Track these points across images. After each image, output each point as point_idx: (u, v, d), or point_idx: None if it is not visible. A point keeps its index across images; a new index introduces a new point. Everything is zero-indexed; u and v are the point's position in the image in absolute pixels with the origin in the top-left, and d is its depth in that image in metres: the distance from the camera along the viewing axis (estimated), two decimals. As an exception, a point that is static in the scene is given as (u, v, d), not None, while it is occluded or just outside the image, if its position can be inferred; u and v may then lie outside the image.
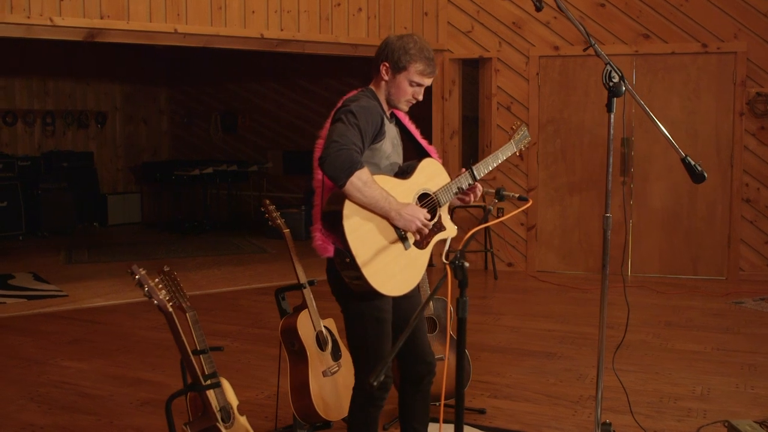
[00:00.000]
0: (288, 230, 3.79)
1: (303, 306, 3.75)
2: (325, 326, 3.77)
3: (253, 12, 7.10)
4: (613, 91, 3.36)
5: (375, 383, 1.79)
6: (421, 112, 9.85)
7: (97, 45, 7.35)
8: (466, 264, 2.18)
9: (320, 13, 7.49)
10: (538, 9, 3.11)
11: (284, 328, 3.68)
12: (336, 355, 3.77)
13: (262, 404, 4.34)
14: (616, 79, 3.34)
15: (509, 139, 3.33)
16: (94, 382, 4.74)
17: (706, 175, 3.55)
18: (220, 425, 2.68)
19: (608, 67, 3.33)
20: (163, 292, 3.03)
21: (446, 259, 2.24)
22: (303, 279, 3.74)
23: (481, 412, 4.17)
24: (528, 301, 6.95)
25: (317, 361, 3.67)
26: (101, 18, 6.38)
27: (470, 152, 8.47)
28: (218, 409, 3.02)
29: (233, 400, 3.12)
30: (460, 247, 2.26)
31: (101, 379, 4.80)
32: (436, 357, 4.02)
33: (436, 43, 8.12)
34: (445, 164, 8.21)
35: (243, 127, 12.30)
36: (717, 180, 7.62)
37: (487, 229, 8.06)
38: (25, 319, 6.34)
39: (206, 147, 12.58)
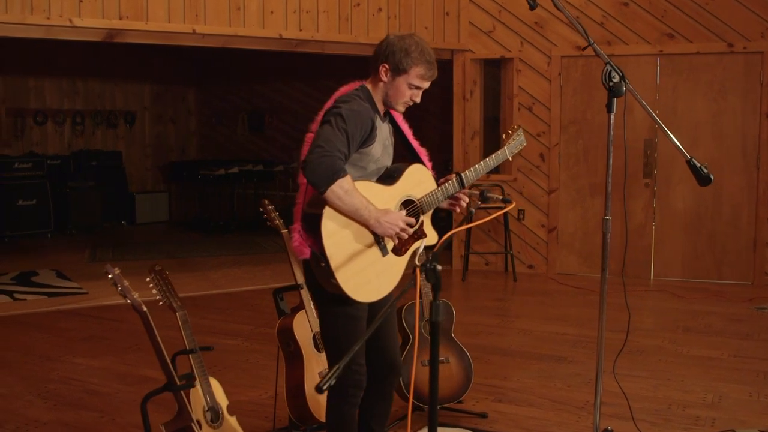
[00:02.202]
0: (286, 230, 3.78)
1: (301, 307, 3.74)
2: (322, 327, 3.75)
3: (272, 12, 7.12)
4: (613, 91, 3.29)
5: (325, 388, 1.76)
6: (442, 112, 9.79)
7: (125, 45, 7.43)
8: (439, 267, 2.15)
9: (339, 13, 7.48)
10: (532, 8, 3.05)
11: (280, 329, 3.68)
12: (333, 356, 3.75)
13: (264, 404, 4.33)
14: (616, 79, 3.26)
15: (504, 145, 3.29)
16: (101, 379, 4.79)
17: (712, 177, 3.48)
18: (195, 425, 2.68)
19: (608, 67, 3.27)
20: (154, 291, 3.05)
21: (418, 261, 2.20)
22: (300, 279, 3.73)
23: (483, 416, 4.12)
24: (545, 304, 6.86)
25: (313, 362, 3.65)
26: (120, 19, 6.45)
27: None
28: (207, 409, 3.02)
29: (223, 401, 3.12)
30: (435, 249, 2.23)
31: (109, 376, 4.84)
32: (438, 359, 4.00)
33: (458, 43, 8.07)
34: (465, 165, 8.17)
35: (270, 127, 12.37)
36: (743, 182, 7.45)
37: (506, 230, 7.98)
38: (43, 315, 6.43)
39: (234, 147, 12.67)
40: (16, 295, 7.03)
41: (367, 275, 2.79)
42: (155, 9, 6.59)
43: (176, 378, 2.71)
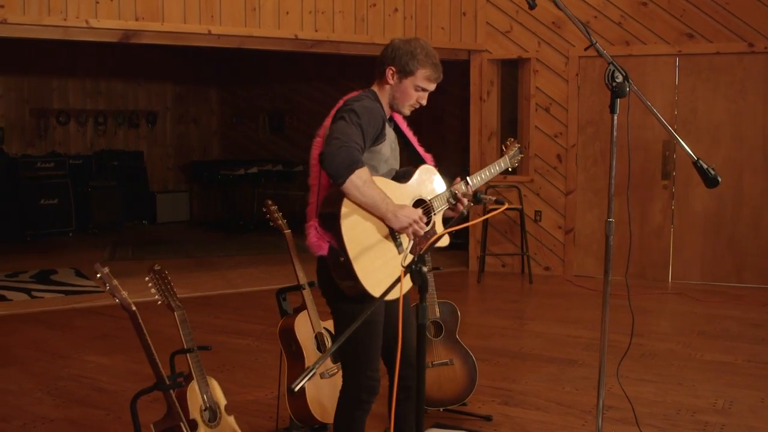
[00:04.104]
0: (289, 231, 3.80)
1: (303, 307, 3.74)
2: (325, 328, 3.75)
3: (287, 13, 7.13)
4: (616, 92, 3.25)
5: (297, 389, 1.75)
6: (461, 112, 9.73)
7: (146, 46, 7.47)
8: (425, 269, 2.13)
9: (355, 13, 7.48)
10: (531, 7, 3.02)
11: (282, 329, 3.68)
12: (336, 356, 3.74)
13: (269, 404, 4.33)
14: (619, 79, 3.22)
15: (503, 155, 3.36)
16: (111, 377, 4.83)
17: (720, 179, 3.42)
18: (183, 425, 2.69)
19: (611, 67, 3.22)
20: (153, 290, 3.06)
21: (403, 264, 2.19)
22: (303, 280, 3.74)
23: (487, 419, 4.09)
24: (560, 307, 6.80)
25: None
26: (136, 20, 6.50)
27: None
28: (204, 408, 3.03)
29: (221, 400, 3.12)
30: (421, 251, 2.21)
31: (119, 374, 4.88)
32: (441, 362, 3.98)
33: (475, 43, 8.03)
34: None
35: (290, 127, 12.40)
36: (763, 184, 7.33)
37: (523, 232, 7.91)
38: (59, 313, 6.50)
39: (255, 147, 12.72)
40: (34, 293, 7.12)
41: (385, 272, 2.76)
42: (171, 10, 6.63)
43: (165, 377, 2.72)
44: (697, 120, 7.47)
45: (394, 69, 2.90)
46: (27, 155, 10.60)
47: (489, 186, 8.03)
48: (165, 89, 12.50)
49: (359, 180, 2.65)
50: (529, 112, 8.02)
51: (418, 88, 2.92)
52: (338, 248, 2.71)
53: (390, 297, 2.80)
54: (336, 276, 2.79)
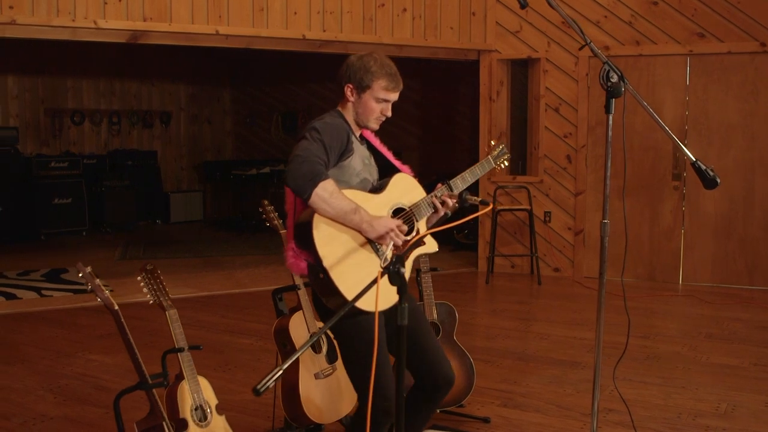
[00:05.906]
0: (284, 231, 3.79)
1: (299, 307, 3.74)
2: (320, 328, 3.74)
3: (295, 13, 7.14)
4: (612, 92, 3.23)
5: (262, 390, 1.73)
6: (472, 112, 9.69)
7: (159, 46, 7.49)
8: (403, 270, 2.11)
9: (364, 13, 7.47)
10: (523, 6, 3.00)
11: (277, 330, 3.68)
12: (331, 357, 3.74)
13: (268, 404, 4.31)
14: (614, 79, 3.19)
15: (487, 155, 3.30)
16: (113, 375, 4.86)
17: (718, 180, 3.38)
18: (166, 424, 2.69)
19: (606, 67, 3.20)
20: (145, 290, 3.07)
21: (382, 265, 2.17)
22: (298, 280, 3.74)
23: (486, 421, 4.06)
24: (567, 308, 6.75)
25: (309, 363, 3.64)
26: (144, 20, 6.53)
27: (518, 154, 8.30)
28: (194, 408, 3.03)
29: (212, 399, 3.13)
30: (401, 253, 2.20)
31: (121, 373, 4.90)
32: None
33: (484, 43, 7.99)
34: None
35: (303, 128, 12.42)
36: (776, 186, 7.25)
37: (532, 232, 7.87)
38: (66, 312, 6.55)
39: (268, 147, 12.77)
40: (44, 292, 7.18)
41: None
42: (179, 10, 6.66)
43: (147, 377, 2.73)
44: (708, 120, 7.40)
45: (351, 86, 2.89)
46: (41, 155, 10.70)
47: (498, 186, 8.00)
48: (179, 89, 12.58)
49: (325, 192, 2.62)
50: (539, 112, 7.98)
51: (379, 100, 2.90)
52: (316, 265, 2.68)
53: (385, 306, 2.72)
54: (321, 294, 2.76)
